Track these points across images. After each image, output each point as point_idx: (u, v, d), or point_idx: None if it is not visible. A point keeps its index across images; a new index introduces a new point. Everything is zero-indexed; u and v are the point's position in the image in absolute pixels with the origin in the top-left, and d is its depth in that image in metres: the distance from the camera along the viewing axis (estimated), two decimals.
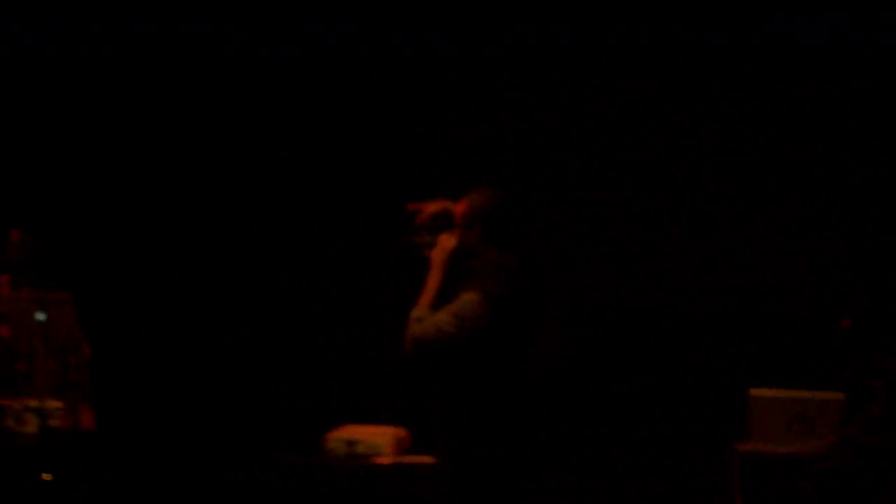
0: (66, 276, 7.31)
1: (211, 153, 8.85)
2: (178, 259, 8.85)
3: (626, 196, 8.22)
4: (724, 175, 8.10)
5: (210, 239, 8.85)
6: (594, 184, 8.27)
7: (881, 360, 6.38)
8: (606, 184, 8.26)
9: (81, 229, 8.82)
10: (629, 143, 8.23)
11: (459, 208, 5.55)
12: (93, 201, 8.91)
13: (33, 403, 6.74)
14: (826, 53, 7.86)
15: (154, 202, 8.89)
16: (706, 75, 8.09)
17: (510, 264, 5.44)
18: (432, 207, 5.69)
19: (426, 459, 6.74)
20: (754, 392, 6.46)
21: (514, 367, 5.51)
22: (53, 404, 6.75)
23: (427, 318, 5.39)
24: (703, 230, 8.13)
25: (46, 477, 6.64)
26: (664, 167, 8.20)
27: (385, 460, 6.96)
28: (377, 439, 7.06)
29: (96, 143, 8.90)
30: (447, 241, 5.54)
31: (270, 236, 8.72)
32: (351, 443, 7.11)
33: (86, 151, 8.89)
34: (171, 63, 8.77)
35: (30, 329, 6.89)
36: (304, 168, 8.67)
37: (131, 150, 8.88)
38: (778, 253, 7.96)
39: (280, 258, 8.71)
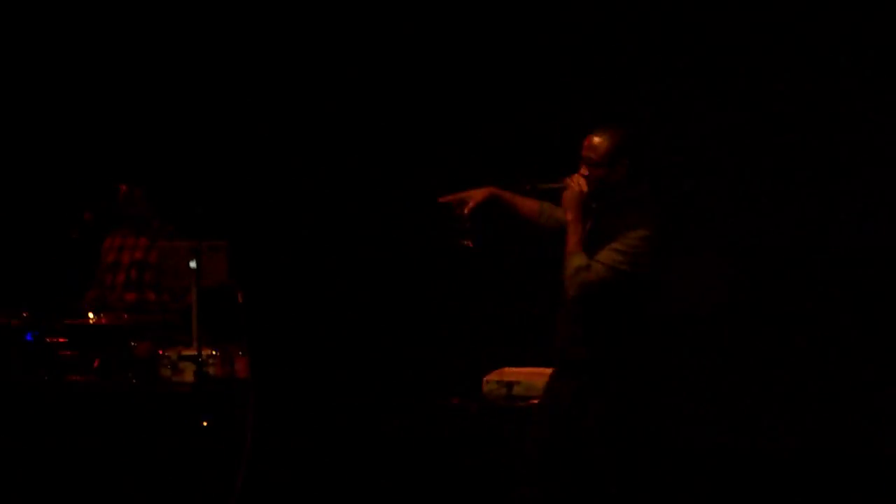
0: (221, 225, 7.35)
1: None
2: (330, 208, 8.87)
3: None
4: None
5: (358, 187, 8.86)
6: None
7: None
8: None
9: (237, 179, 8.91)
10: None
11: (598, 147, 5.40)
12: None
13: (189, 352, 6.77)
14: None
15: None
16: None
17: (657, 196, 5.36)
18: (478, 196, 5.64)
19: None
20: None
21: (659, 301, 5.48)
22: (208, 353, 6.77)
23: (592, 262, 5.28)
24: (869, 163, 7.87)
25: (203, 424, 6.68)
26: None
27: None
28: (535, 380, 6.95)
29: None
30: (578, 183, 5.41)
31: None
32: (509, 385, 7.03)
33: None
34: None
35: (185, 277, 6.91)
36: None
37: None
38: None
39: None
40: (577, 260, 5.33)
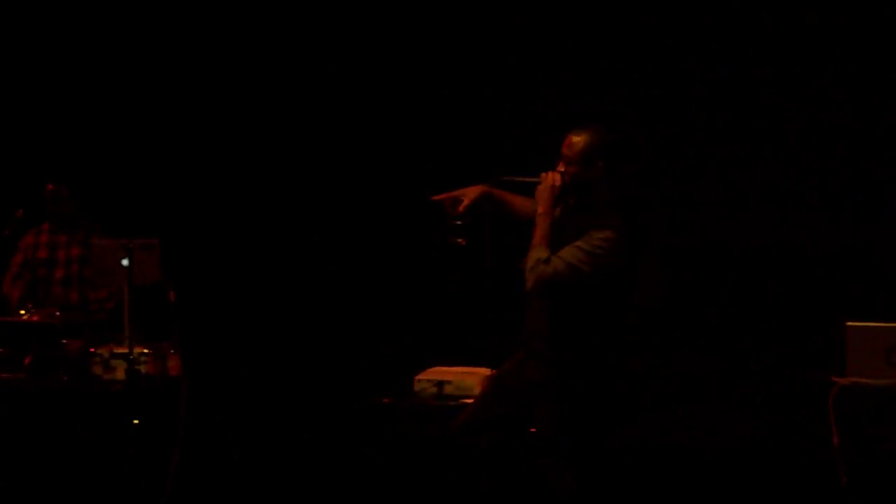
0: (153, 223, 7.34)
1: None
2: (264, 203, 8.87)
3: (726, 129, 8.07)
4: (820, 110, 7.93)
5: (295, 182, 8.87)
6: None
7: None
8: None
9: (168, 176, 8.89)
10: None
11: (574, 146, 5.47)
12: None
13: (121, 350, 6.76)
14: None
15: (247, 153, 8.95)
16: None
17: (630, 200, 5.39)
18: (472, 194, 5.67)
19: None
20: (851, 324, 6.30)
21: (625, 303, 5.52)
22: (141, 351, 6.77)
23: (553, 257, 5.32)
24: (801, 163, 7.95)
25: (134, 423, 6.68)
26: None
27: None
28: (466, 380, 6.99)
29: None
30: (552, 179, 5.46)
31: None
32: (440, 384, 7.07)
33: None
34: None
35: (116, 275, 6.90)
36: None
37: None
38: (876, 188, 7.77)
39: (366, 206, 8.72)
40: (538, 252, 5.39)
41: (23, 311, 7.13)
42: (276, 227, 8.87)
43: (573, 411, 5.48)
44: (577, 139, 5.47)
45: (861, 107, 7.84)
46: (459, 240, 5.66)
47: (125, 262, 6.81)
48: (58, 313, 7.13)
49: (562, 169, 5.50)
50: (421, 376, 7.15)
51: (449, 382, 7.05)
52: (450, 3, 8.57)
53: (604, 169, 5.45)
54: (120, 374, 6.75)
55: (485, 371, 6.81)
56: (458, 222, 5.66)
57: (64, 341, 6.87)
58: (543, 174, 5.51)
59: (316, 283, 8.78)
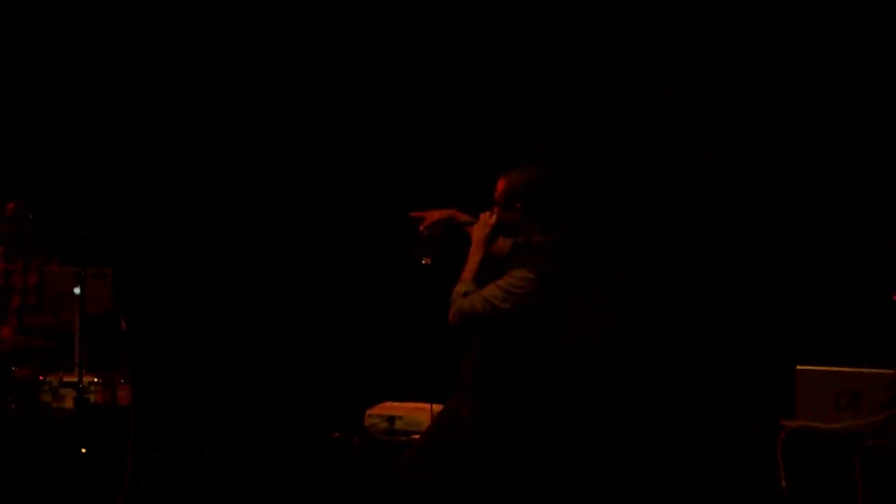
0: (104, 253, 7.30)
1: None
2: (218, 235, 8.86)
3: (667, 172, 8.11)
4: (769, 152, 7.97)
5: (248, 214, 8.85)
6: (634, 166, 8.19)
7: None
8: (646, 163, 8.18)
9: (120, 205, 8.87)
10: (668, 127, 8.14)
11: (499, 187, 5.59)
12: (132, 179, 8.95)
13: (70, 378, 6.72)
14: None
15: (194, 174, 8.93)
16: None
17: (557, 242, 5.43)
18: (437, 215, 5.77)
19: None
20: (801, 368, 6.34)
21: (553, 342, 5.57)
22: (90, 379, 6.73)
23: (474, 292, 5.39)
24: (746, 205, 8.00)
25: (82, 451, 6.63)
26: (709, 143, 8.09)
27: None
28: (417, 415, 7.00)
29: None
30: (488, 218, 5.55)
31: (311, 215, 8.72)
32: (391, 419, 7.07)
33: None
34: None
35: (67, 304, 6.87)
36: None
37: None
38: (826, 228, 7.82)
39: (318, 237, 8.70)
40: (461, 286, 5.48)
41: None
42: (228, 258, 8.85)
43: (490, 441, 5.50)
44: (501, 181, 5.59)
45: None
46: (425, 259, 5.70)
47: (77, 290, 6.78)
48: (7, 339, 7.08)
49: (494, 210, 5.59)
50: (372, 411, 7.15)
51: (400, 418, 7.07)
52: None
53: (522, 210, 5.50)
54: (69, 403, 6.71)
55: (437, 407, 6.82)
56: (424, 241, 5.70)
57: (13, 368, 6.83)
58: (482, 213, 5.59)
59: (267, 316, 8.75)
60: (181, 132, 8.96)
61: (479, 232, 5.60)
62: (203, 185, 8.93)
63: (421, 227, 5.76)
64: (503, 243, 5.74)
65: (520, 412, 5.49)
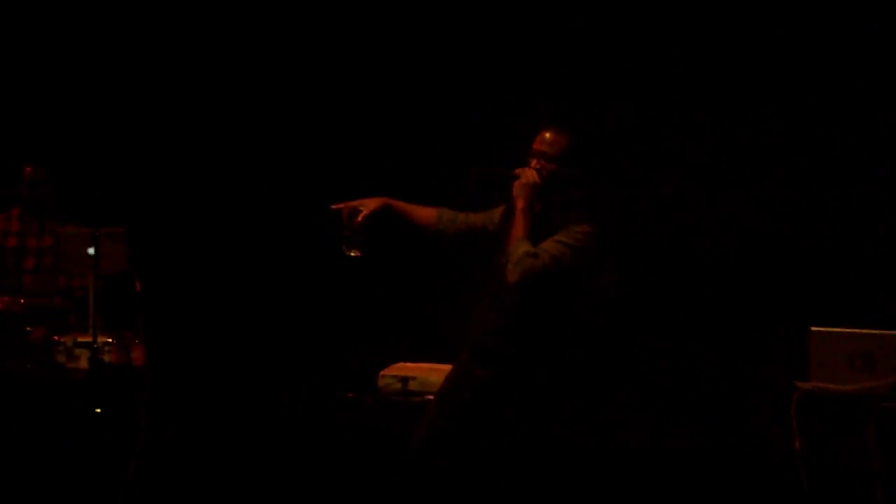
0: (118, 213, 7.30)
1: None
2: (234, 194, 8.87)
3: (685, 129, 8.09)
4: (784, 118, 7.95)
5: (265, 175, 8.86)
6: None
7: None
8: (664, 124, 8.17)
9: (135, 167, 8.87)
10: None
11: (559, 141, 5.44)
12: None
13: (84, 339, 6.73)
14: None
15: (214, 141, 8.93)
16: None
17: (595, 199, 5.41)
18: (372, 205, 5.60)
19: None
20: (815, 329, 6.32)
21: (581, 300, 5.52)
22: (105, 340, 6.74)
23: (539, 250, 5.30)
24: (762, 167, 7.98)
25: (97, 412, 6.65)
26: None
27: None
28: (430, 376, 7.00)
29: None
30: (532, 176, 5.43)
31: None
32: (404, 380, 7.08)
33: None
34: None
35: (81, 263, 6.87)
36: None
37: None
38: (841, 189, 7.80)
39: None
40: (524, 246, 5.32)
41: None
42: (242, 218, 8.86)
43: (519, 409, 5.46)
44: (557, 138, 5.45)
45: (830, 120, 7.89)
46: (354, 252, 5.55)
47: (91, 250, 6.78)
48: (22, 301, 7.09)
49: (537, 166, 5.48)
50: (385, 372, 7.16)
51: (413, 378, 7.07)
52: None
53: (581, 171, 5.45)
54: (83, 363, 6.71)
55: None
56: (354, 233, 5.56)
57: (28, 329, 6.83)
58: (519, 169, 5.48)
59: (282, 276, 8.76)
60: (198, 93, 8.94)
61: (526, 188, 5.41)
62: (219, 142, 8.92)
63: (357, 220, 5.56)
64: (496, 211, 5.68)
65: (552, 375, 5.44)
